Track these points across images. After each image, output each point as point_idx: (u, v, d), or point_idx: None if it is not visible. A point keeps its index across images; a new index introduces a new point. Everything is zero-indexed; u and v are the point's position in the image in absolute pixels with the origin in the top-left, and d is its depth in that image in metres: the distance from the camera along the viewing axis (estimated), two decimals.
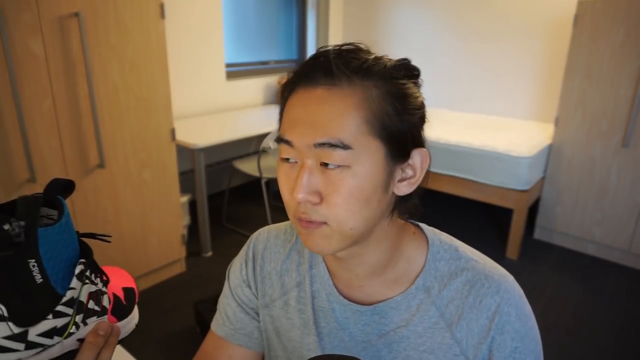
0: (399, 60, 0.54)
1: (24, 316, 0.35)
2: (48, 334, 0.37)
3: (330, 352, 0.63)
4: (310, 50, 4.02)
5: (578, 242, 2.78)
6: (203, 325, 1.92)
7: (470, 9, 3.42)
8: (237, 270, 0.72)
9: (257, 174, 2.78)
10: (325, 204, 0.50)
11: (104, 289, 0.45)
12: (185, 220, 2.71)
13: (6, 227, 0.32)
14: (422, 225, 0.64)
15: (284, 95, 0.55)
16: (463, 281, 0.58)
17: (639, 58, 2.33)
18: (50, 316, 0.37)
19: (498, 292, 0.57)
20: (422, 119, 0.55)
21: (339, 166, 0.49)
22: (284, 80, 0.56)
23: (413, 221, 0.64)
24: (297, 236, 0.70)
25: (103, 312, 0.45)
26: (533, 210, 2.90)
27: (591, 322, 2.13)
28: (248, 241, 0.74)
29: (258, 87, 3.65)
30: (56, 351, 0.39)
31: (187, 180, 3.03)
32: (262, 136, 2.72)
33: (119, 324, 0.48)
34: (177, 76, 2.93)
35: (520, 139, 2.71)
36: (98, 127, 1.88)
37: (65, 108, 1.78)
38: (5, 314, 0.34)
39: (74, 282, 0.39)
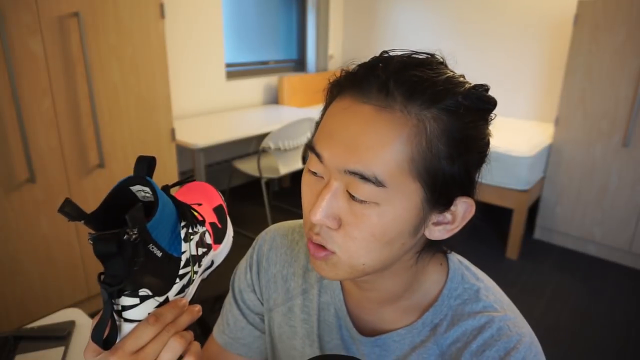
0: (474, 87, 0.45)
1: (162, 288, 0.44)
2: (180, 291, 0.47)
3: None
4: (310, 50, 4.02)
5: (578, 242, 2.77)
6: (203, 326, 1.92)
7: (470, 8, 3.42)
8: (242, 274, 0.69)
9: (257, 174, 2.78)
10: (342, 232, 0.45)
11: (203, 229, 0.50)
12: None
13: (125, 237, 0.39)
14: (451, 256, 0.58)
15: (331, 93, 0.49)
16: (473, 325, 0.52)
17: (639, 58, 2.33)
18: (177, 280, 0.46)
19: (506, 349, 0.49)
20: (480, 162, 0.48)
21: (366, 201, 0.43)
22: (334, 78, 0.49)
23: (445, 249, 0.58)
24: (304, 236, 0.67)
25: (209, 248, 0.52)
26: (533, 210, 2.90)
27: (591, 322, 2.13)
28: (254, 242, 0.70)
29: (258, 87, 3.65)
30: (188, 294, 0.50)
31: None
32: (262, 136, 2.71)
33: (219, 248, 0.54)
34: (177, 76, 2.93)
35: (520, 139, 2.71)
36: (98, 127, 1.87)
37: (64, 108, 1.78)
38: (150, 293, 0.43)
39: (184, 246, 0.46)
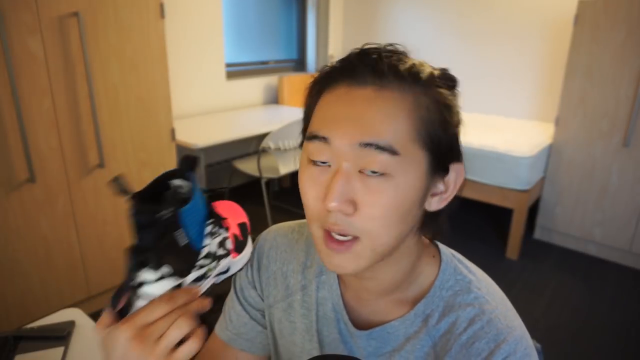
0: (442, 69, 0.51)
1: (181, 271, 0.48)
2: (195, 280, 0.51)
3: None
4: (310, 50, 4.02)
5: (578, 242, 2.77)
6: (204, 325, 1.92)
7: (470, 8, 3.42)
8: (242, 271, 0.70)
9: (257, 174, 2.78)
10: (360, 215, 0.46)
11: (226, 235, 0.55)
12: None
13: (161, 213, 0.44)
14: (442, 248, 0.60)
15: (314, 91, 0.51)
16: (464, 317, 0.52)
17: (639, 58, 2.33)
18: (196, 268, 0.50)
19: (496, 341, 0.50)
20: (459, 129, 0.52)
21: (381, 174, 0.45)
22: (318, 74, 0.52)
23: (437, 243, 0.60)
24: (305, 236, 0.68)
25: (228, 253, 0.55)
26: (533, 210, 2.90)
27: (591, 322, 2.13)
28: (255, 241, 0.71)
29: (258, 87, 3.65)
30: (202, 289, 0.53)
31: None
32: (262, 136, 2.71)
33: (238, 257, 0.58)
34: (177, 76, 2.93)
35: (520, 139, 2.71)
36: (98, 127, 1.87)
37: (64, 108, 1.78)
38: (172, 271, 0.47)
39: (206, 240, 0.51)
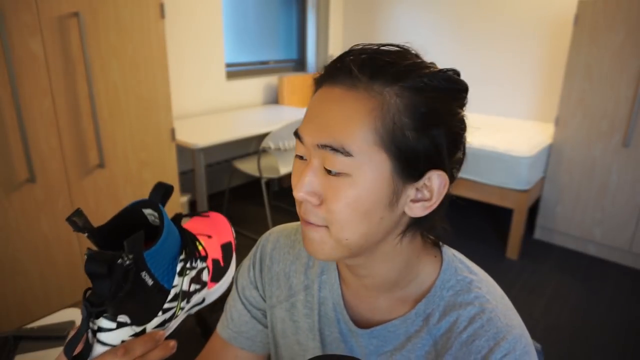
0: (441, 71, 0.49)
1: (142, 318, 0.44)
2: (160, 325, 0.46)
3: None
4: (310, 50, 4.03)
5: (578, 242, 2.78)
6: (203, 326, 1.92)
7: (470, 9, 3.42)
8: (245, 271, 0.72)
9: (257, 174, 2.78)
10: (323, 207, 0.49)
11: (202, 265, 0.50)
12: (186, 220, 2.71)
13: (119, 261, 0.39)
14: (445, 249, 0.60)
15: (313, 90, 0.54)
16: (464, 316, 0.53)
17: (639, 58, 2.33)
18: (160, 313, 0.45)
19: (495, 339, 0.50)
20: (454, 139, 0.50)
21: (339, 173, 0.47)
22: (315, 77, 0.54)
23: (441, 244, 0.60)
24: None
25: (203, 285, 0.51)
26: (533, 210, 2.90)
27: (591, 322, 2.13)
28: (257, 242, 0.73)
29: (258, 87, 3.65)
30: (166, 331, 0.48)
31: (187, 180, 3.03)
32: (262, 136, 2.71)
33: (215, 286, 0.54)
34: (177, 76, 2.93)
35: (520, 139, 2.71)
36: (98, 127, 1.87)
37: (65, 108, 1.78)
38: (129, 321, 0.43)
39: (176, 280, 0.46)
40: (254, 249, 0.73)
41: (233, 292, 0.73)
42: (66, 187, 1.85)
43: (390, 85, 0.46)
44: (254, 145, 3.46)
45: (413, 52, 0.51)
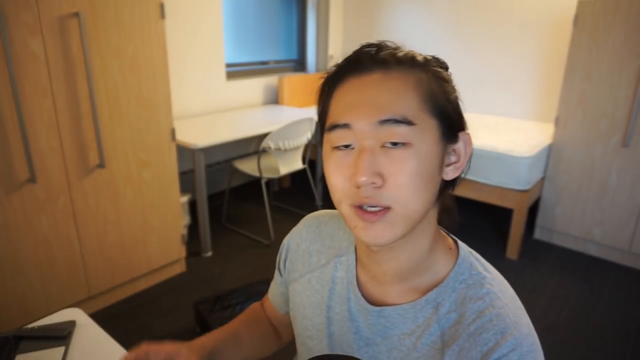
0: (432, 56, 0.57)
1: None
2: None
3: (337, 339, 0.65)
4: (310, 50, 4.03)
5: (578, 242, 2.78)
6: (203, 326, 1.92)
7: (470, 9, 3.42)
8: (285, 244, 0.79)
9: (257, 174, 2.78)
10: (388, 186, 0.50)
11: None
12: (185, 220, 2.71)
13: None
14: (461, 244, 0.62)
15: (327, 89, 0.57)
16: (473, 309, 0.54)
17: (639, 58, 2.33)
18: None
19: (502, 334, 0.51)
20: (458, 105, 0.57)
21: (403, 144, 0.50)
22: (326, 75, 0.57)
23: (454, 238, 0.63)
24: (334, 222, 0.72)
25: None
26: (533, 210, 2.90)
27: (591, 322, 2.13)
28: (299, 224, 0.79)
29: (258, 87, 3.65)
30: None
31: (187, 180, 3.03)
32: (262, 136, 2.71)
33: None
34: (177, 76, 2.93)
35: (520, 139, 2.71)
36: (98, 127, 1.88)
37: (65, 108, 1.78)
38: None
39: None
40: (296, 226, 0.79)
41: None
42: (66, 187, 1.85)
43: (414, 66, 0.53)
44: (254, 145, 3.46)
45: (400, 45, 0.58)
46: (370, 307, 0.60)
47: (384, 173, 0.50)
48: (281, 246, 0.79)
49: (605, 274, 2.54)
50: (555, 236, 2.86)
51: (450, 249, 0.61)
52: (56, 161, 1.80)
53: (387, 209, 0.51)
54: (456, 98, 0.56)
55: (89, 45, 1.79)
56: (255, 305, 0.89)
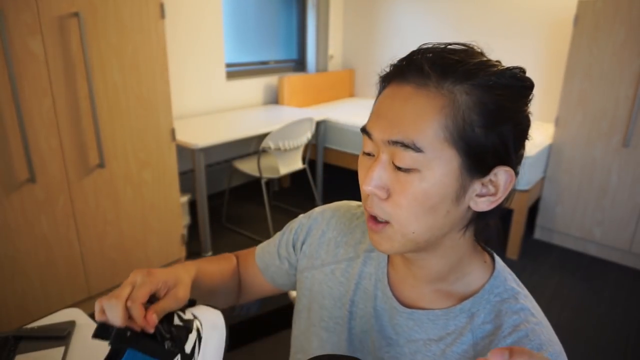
0: (508, 68, 0.50)
1: None
2: None
3: (357, 334, 0.64)
4: (310, 50, 4.02)
5: (578, 242, 2.78)
6: None
7: (470, 9, 3.42)
8: (295, 226, 0.77)
9: (257, 173, 2.78)
10: (390, 201, 0.50)
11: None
12: (185, 220, 2.71)
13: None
14: (497, 258, 0.61)
15: (379, 87, 0.56)
16: (509, 323, 0.54)
17: (639, 58, 2.33)
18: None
19: (539, 351, 0.51)
20: (520, 136, 0.51)
21: (409, 169, 0.48)
22: (382, 72, 0.56)
23: (491, 251, 0.62)
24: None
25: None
26: (533, 210, 2.90)
27: (591, 322, 2.13)
28: (309, 213, 0.77)
29: (258, 87, 3.65)
30: None
31: (187, 180, 3.03)
32: (262, 136, 2.71)
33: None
34: (178, 76, 2.93)
35: None
36: (98, 127, 1.87)
37: (65, 108, 1.78)
38: None
39: None
40: (313, 211, 0.77)
41: (277, 236, 0.80)
42: (66, 187, 1.85)
43: (460, 83, 0.47)
44: (254, 145, 3.46)
45: (478, 50, 0.52)
46: (401, 308, 0.59)
47: (390, 188, 0.50)
48: (299, 225, 0.76)
49: (605, 274, 2.54)
50: (556, 236, 2.86)
51: (486, 262, 0.60)
52: (56, 161, 1.80)
53: (387, 222, 0.52)
54: (510, 129, 0.49)
55: (89, 45, 1.79)
56: (228, 255, 0.84)
